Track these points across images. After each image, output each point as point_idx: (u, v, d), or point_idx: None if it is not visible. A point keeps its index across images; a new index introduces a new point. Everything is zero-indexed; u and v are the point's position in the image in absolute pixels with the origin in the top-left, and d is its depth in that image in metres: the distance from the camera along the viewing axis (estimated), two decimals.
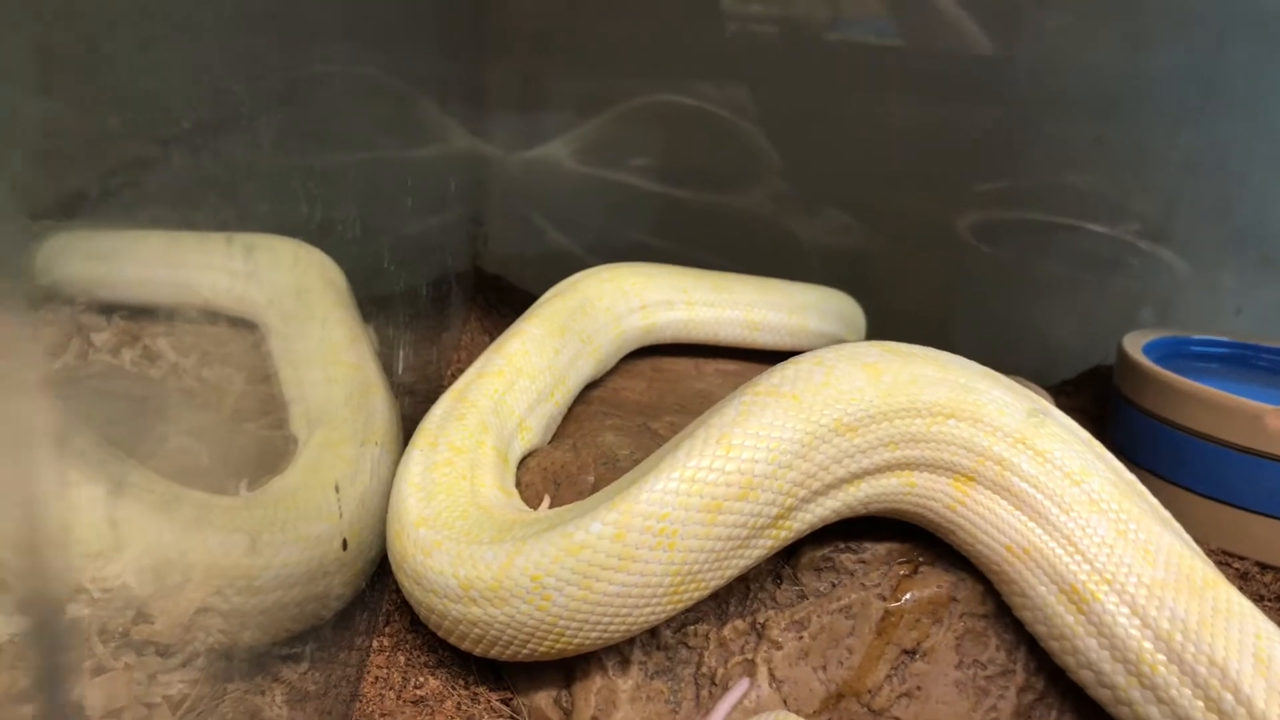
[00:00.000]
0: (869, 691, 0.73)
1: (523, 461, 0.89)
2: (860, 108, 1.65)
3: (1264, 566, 1.13)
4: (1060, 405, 1.45)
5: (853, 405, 0.69)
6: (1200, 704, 0.62)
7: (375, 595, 0.80)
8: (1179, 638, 0.63)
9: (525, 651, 0.69)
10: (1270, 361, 1.38)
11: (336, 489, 0.67)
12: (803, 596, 0.76)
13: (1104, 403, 1.43)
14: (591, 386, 1.09)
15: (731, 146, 1.69)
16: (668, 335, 1.17)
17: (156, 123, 0.51)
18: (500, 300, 1.53)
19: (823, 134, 1.68)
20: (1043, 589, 0.69)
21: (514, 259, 1.74)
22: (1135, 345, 1.32)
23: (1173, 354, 1.36)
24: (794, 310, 1.23)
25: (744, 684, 0.72)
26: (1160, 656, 0.64)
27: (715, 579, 0.69)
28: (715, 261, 1.30)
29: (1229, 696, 0.61)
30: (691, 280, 1.19)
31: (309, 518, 0.65)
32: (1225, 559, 1.15)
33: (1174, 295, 1.67)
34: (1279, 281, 1.60)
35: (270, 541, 0.62)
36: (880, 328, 1.40)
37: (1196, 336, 1.41)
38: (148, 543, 0.53)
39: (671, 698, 0.74)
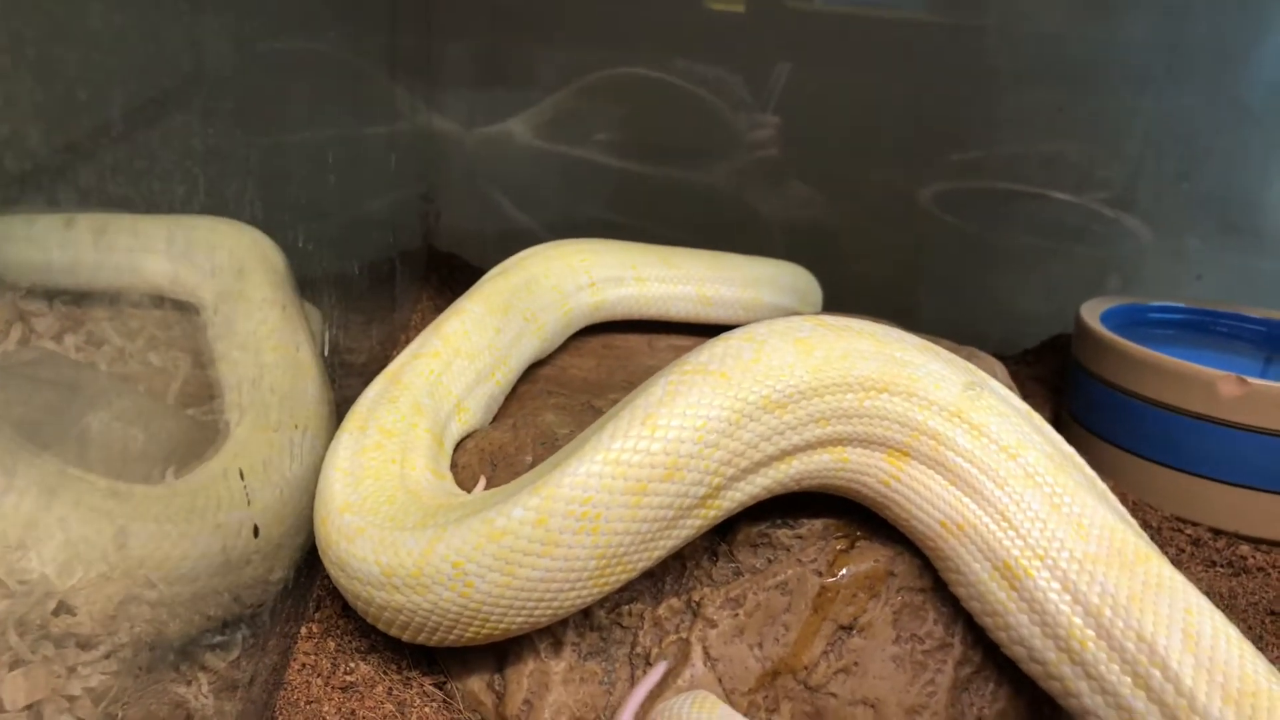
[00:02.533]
0: (805, 668, 0.73)
1: (461, 443, 0.88)
2: (824, 79, 1.63)
3: (1217, 532, 1.14)
4: (1020, 375, 1.45)
5: (781, 382, 0.68)
6: (1128, 679, 0.62)
7: (304, 581, 0.79)
8: (1108, 613, 0.63)
9: (452, 637, 0.69)
10: (1227, 327, 1.38)
11: (241, 475, 0.66)
12: (739, 573, 0.75)
13: (1064, 372, 1.43)
14: (540, 364, 1.07)
15: (694, 120, 1.67)
16: (618, 312, 1.16)
17: (89, 106, 0.50)
18: (454, 278, 1.51)
19: (788, 106, 1.66)
20: (977, 565, 0.69)
21: (471, 236, 1.72)
22: (1093, 313, 1.32)
23: (1131, 321, 1.36)
24: (747, 284, 1.21)
25: (661, 666, 0.71)
26: (1089, 632, 0.63)
27: (643, 560, 0.68)
28: (678, 237, 1.29)
29: (1156, 672, 0.60)
30: (641, 256, 1.17)
31: (223, 505, 0.63)
32: (1179, 525, 1.15)
33: (1137, 262, 1.67)
34: (1239, 247, 1.60)
35: (186, 531, 0.61)
36: (843, 300, 1.39)
37: (1154, 303, 1.41)
38: (64, 535, 0.52)
39: (605, 679, 0.73)
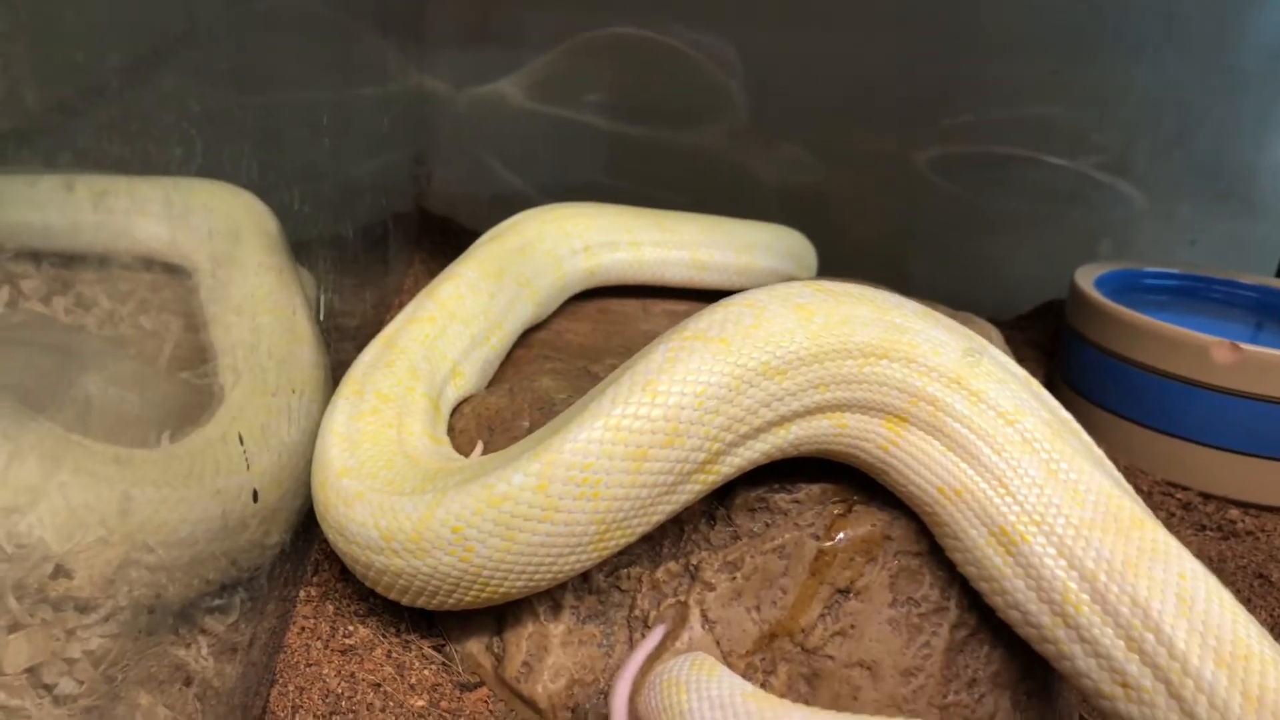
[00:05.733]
0: (802, 631, 0.73)
1: (457, 408, 0.88)
2: (820, 42, 1.62)
3: (1207, 496, 1.15)
4: (1013, 339, 1.46)
5: (781, 348, 0.68)
6: (1122, 643, 0.62)
7: (302, 545, 0.79)
8: (1103, 578, 0.63)
9: (451, 601, 0.69)
10: (1221, 293, 1.38)
11: (241, 440, 0.65)
12: (736, 537, 0.76)
13: (1057, 337, 1.43)
14: (534, 329, 1.07)
15: (689, 82, 1.66)
16: (613, 277, 1.15)
17: (79, 65, 0.49)
18: (446, 242, 1.50)
19: (782, 69, 1.65)
20: (974, 531, 0.69)
21: (464, 199, 1.70)
22: (1087, 278, 1.32)
23: (1125, 287, 1.36)
24: (742, 249, 1.21)
25: (660, 630, 0.71)
26: (1084, 597, 0.64)
27: (642, 525, 0.68)
28: (672, 200, 1.28)
29: (1150, 636, 0.61)
30: (636, 220, 1.16)
31: (222, 470, 0.63)
32: (1170, 489, 1.16)
33: (1131, 227, 1.67)
34: (1233, 214, 1.60)
35: (185, 495, 0.61)
36: (837, 264, 1.39)
37: (1149, 269, 1.41)
38: (64, 499, 0.52)
39: (604, 641, 0.74)
